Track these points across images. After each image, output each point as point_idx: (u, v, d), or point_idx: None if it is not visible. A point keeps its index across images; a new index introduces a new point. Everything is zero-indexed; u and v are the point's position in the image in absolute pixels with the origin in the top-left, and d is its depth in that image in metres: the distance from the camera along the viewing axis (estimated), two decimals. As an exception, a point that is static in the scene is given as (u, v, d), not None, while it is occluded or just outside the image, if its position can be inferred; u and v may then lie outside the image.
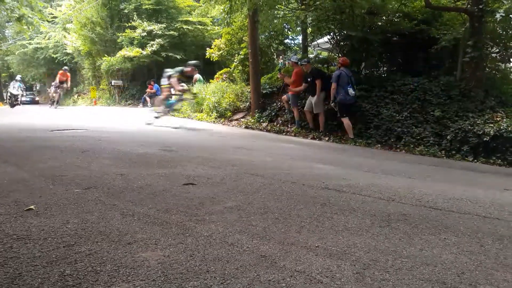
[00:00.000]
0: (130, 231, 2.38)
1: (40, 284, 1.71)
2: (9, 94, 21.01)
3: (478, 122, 7.80)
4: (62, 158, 4.63)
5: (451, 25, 9.83)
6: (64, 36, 26.42)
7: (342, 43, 11.07)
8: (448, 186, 4.61)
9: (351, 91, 8.75)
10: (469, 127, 7.78)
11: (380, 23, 10.76)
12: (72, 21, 24.99)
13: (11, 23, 30.10)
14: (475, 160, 7.49)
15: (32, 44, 30.96)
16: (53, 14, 26.23)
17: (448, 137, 8.01)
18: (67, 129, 8.11)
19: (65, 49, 27.79)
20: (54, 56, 30.37)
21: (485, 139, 7.45)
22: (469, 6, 8.90)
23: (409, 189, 4.07)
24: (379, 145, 8.65)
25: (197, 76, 17.18)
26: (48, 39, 29.27)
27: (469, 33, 8.74)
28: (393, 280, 1.92)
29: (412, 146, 8.31)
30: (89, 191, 3.20)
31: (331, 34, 11.34)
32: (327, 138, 9.33)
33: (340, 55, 10.75)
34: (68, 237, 2.24)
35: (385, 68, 11.55)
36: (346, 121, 8.91)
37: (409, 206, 3.33)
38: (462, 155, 7.68)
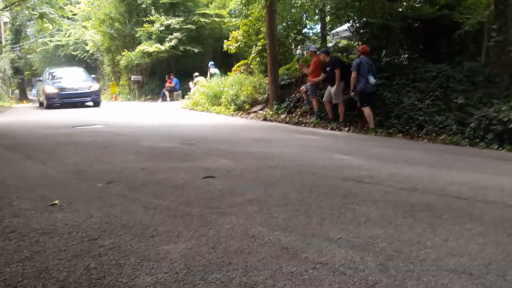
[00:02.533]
0: (153, 224, 2.40)
1: (66, 277, 1.75)
2: None
3: (503, 108, 7.53)
4: (85, 154, 4.72)
5: (474, 9, 9.52)
6: (83, 33, 26.84)
7: (361, 30, 10.87)
8: (473, 175, 4.50)
9: (372, 79, 8.58)
10: (494, 114, 7.52)
11: (400, 9, 10.52)
12: (91, 18, 25.29)
13: (32, 22, 30.64)
14: (500, 148, 7.25)
15: (53, 41, 31.49)
16: (72, 11, 26.57)
17: (471, 124, 7.78)
18: (89, 125, 8.26)
19: (85, 46, 28.20)
20: (74, 53, 30.85)
21: (510, 126, 7.21)
22: (493, -12, 8.63)
23: (432, 178, 3.99)
24: (400, 135, 8.49)
25: (214, 70, 17.24)
26: (68, 36, 29.71)
27: (494, 16, 8.45)
28: (418, 271, 1.89)
29: (434, 134, 8.11)
30: (112, 185, 3.25)
31: (350, 21, 11.14)
32: (347, 129, 9.22)
33: (359, 43, 10.56)
34: (92, 231, 2.28)
35: (406, 55, 11.30)
36: (367, 110, 8.76)
37: (432, 196, 3.27)
38: (486, 143, 7.44)
